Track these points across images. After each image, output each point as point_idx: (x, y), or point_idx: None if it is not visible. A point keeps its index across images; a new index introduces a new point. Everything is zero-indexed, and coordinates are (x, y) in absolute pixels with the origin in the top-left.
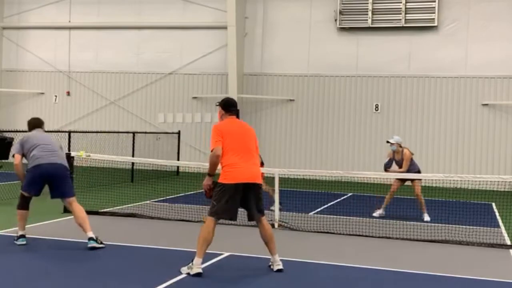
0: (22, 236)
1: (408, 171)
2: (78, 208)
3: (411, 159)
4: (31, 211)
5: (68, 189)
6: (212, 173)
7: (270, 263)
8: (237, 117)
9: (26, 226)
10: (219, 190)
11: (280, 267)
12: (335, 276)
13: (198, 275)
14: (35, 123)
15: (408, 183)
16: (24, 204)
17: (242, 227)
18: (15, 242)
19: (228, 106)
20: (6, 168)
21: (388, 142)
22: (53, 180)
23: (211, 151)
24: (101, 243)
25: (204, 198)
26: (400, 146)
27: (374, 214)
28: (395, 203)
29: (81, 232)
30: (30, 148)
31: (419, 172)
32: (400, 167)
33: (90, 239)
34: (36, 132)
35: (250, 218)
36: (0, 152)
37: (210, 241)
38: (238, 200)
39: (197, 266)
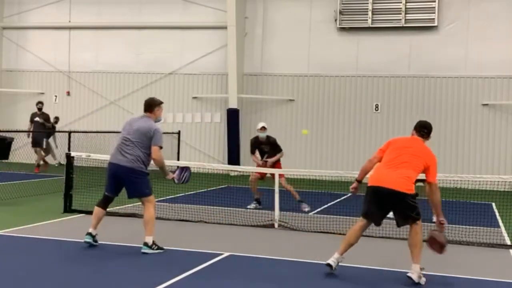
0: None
1: None
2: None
3: None
4: (31, 211)
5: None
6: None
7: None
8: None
9: (26, 226)
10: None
11: (411, 275)
12: (335, 276)
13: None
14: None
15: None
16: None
17: (242, 227)
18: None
19: (420, 127)
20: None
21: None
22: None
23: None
24: (158, 248)
25: (204, 198)
26: None
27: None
28: None
29: (81, 232)
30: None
31: None
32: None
33: (145, 244)
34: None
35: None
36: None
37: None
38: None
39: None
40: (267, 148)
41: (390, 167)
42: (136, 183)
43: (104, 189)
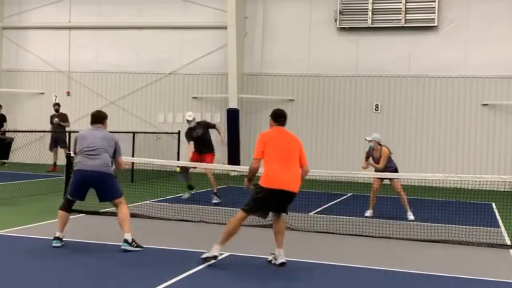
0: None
1: (385, 169)
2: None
3: (389, 157)
4: (31, 211)
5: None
6: (250, 179)
7: (271, 258)
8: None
9: (26, 226)
10: (257, 191)
11: (283, 260)
12: (335, 276)
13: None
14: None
15: (386, 181)
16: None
17: (242, 227)
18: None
19: (276, 116)
20: (5, 168)
21: (365, 139)
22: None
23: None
24: (137, 246)
25: (204, 198)
26: (379, 144)
27: (366, 214)
28: (394, 203)
29: (81, 232)
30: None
31: (396, 170)
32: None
33: (125, 241)
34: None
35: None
36: (0, 152)
37: (233, 234)
38: (271, 203)
39: (213, 250)
40: (201, 130)
41: (283, 166)
42: (109, 187)
43: (68, 194)
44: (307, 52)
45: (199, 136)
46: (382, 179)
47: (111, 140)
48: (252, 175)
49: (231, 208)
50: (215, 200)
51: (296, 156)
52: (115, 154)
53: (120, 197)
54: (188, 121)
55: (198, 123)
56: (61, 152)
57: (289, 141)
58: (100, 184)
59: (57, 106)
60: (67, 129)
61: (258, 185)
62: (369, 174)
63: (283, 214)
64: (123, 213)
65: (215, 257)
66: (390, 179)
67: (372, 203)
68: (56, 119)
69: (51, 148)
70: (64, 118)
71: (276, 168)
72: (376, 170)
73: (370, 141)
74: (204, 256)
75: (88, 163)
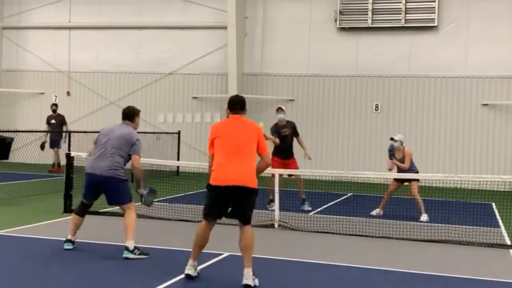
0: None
1: (408, 170)
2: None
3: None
4: (31, 211)
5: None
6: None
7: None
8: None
9: (26, 226)
10: (207, 191)
11: (250, 282)
12: (335, 276)
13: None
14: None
15: (405, 183)
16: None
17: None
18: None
19: (230, 104)
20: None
21: (392, 138)
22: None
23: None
24: (141, 253)
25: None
26: (402, 145)
27: (372, 213)
28: (394, 203)
29: (81, 232)
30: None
31: (417, 173)
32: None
33: (126, 249)
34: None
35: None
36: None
37: (200, 244)
38: (224, 203)
39: (188, 268)
40: (288, 131)
41: (233, 159)
42: (118, 191)
43: (82, 196)
44: (307, 52)
45: (286, 135)
46: (402, 182)
47: (128, 138)
48: (209, 174)
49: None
50: (307, 207)
51: (251, 147)
52: (131, 153)
53: (128, 203)
54: (394, 139)
55: (287, 121)
56: (57, 152)
57: (242, 131)
58: (106, 188)
59: (54, 106)
60: (64, 128)
61: (208, 185)
62: (370, 174)
63: (247, 227)
64: (127, 220)
65: (191, 277)
66: (409, 181)
67: (382, 203)
68: (53, 120)
69: (51, 147)
70: (62, 119)
71: (224, 162)
72: (400, 171)
73: (396, 140)
74: (186, 272)
75: (96, 165)
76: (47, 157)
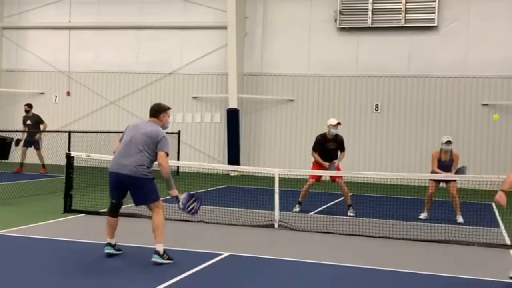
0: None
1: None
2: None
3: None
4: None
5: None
6: None
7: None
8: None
9: (26, 226)
10: None
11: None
12: (335, 276)
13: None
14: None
15: (442, 184)
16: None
17: (242, 227)
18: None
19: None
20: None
21: (448, 141)
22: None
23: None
24: (168, 258)
25: (204, 198)
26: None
27: (421, 217)
28: (395, 203)
29: (81, 232)
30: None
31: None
32: (444, 168)
33: (156, 253)
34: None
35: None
36: (0, 152)
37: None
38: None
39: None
40: (334, 145)
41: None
42: (142, 190)
43: (109, 196)
44: (307, 52)
45: (331, 150)
46: (438, 182)
47: (153, 135)
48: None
49: (231, 208)
50: (351, 213)
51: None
52: (157, 150)
53: (154, 202)
54: (333, 125)
55: (337, 134)
56: (32, 152)
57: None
58: (132, 187)
59: (27, 106)
60: (42, 127)
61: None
62: (370, 174)
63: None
64: (156, 220)
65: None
66: (447, 182)
67: (428, 207)
68: (29, 121)
69: (24, 145)
70: (38, 119)
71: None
72: (433, 172)
73: (451, 143)
74: None
75: (119, 163)
76: (47, 157)
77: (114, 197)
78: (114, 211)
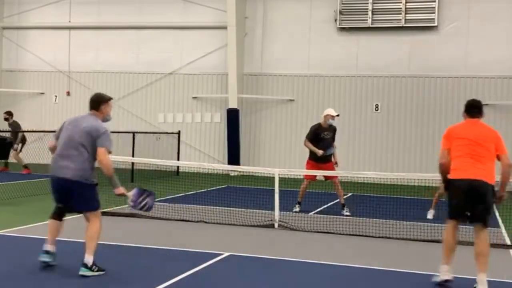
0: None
1: None
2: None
3: None
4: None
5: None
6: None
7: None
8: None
9: (26, 226)
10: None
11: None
12: (335, 276)
13: None
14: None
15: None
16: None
17: (242, 227)
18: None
19: (469, 108)
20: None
21: None
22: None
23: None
24: (98, 270)
25: (204, 198)
26: None
27: (429, 216)
28: (394, 203)
29: (81, 233)
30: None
31: None
32: None
33: (84, 265)
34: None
35: None
36: (0, 152)
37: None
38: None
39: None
40: (329, 135)
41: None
42: (83, 198)
43: (54, 201)
44: (307, 52)
45: (327, 139)
46: None
47: (94, 131)
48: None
49: (231, 208)
50: (346, 212)
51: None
52: (97, 146)
53: (93, 211)
54: (331, 116)
55: (330, 125)
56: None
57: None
58: (72, 191)
59: (6, 114)
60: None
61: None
62: (369, 174)
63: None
64: (92, 229)
65: None
66: None
67: (434, 204)
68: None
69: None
70: (18, 128)
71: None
72: None
73: None
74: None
75: (59, 166)
76: (47, 157)
77: (59, 202)
78: (60, 214)
